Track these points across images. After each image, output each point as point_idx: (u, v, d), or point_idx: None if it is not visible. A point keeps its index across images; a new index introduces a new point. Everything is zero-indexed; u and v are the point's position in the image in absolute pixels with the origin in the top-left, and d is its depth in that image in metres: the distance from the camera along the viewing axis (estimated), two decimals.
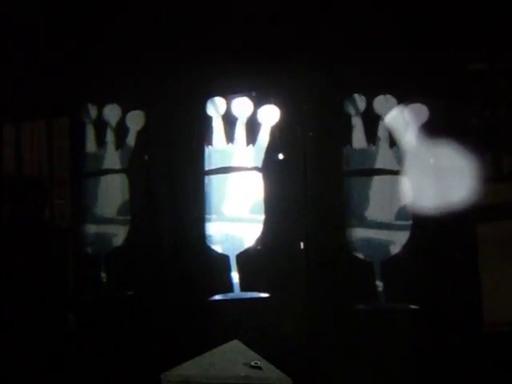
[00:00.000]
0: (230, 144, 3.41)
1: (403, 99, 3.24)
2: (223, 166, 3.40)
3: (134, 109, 3.53)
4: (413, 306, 3.16)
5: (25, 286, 3.48)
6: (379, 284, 3.19)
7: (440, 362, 3.07)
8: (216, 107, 3.41)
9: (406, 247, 3.19)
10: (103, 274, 3.50)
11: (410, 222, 3.19)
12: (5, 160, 3.69)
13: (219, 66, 3.38)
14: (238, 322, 3.21)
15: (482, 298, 3.10)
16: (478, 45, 3.17)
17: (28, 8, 3.47)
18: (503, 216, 3.16)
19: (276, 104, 3.36)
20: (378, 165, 3.26)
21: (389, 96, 3.25)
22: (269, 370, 2.33)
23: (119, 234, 3.51)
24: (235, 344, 2.59)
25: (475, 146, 3.12)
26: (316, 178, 3.28)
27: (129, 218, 3.50)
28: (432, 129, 3.17)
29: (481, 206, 3.09)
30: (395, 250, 3.20)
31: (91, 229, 3.54)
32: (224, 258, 3.34)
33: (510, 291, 3.06)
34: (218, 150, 3.42)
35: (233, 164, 3.39)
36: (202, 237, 3.35)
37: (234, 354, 2.46)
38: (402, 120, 3.20)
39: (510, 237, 3.14)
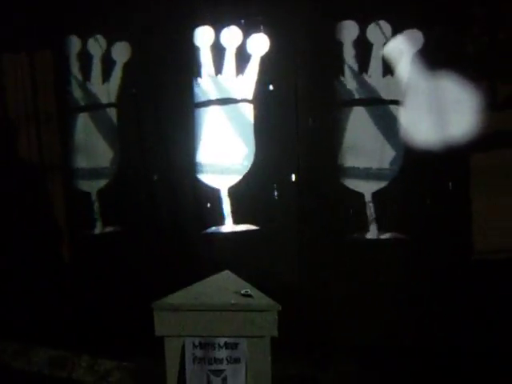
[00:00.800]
0: (219, 75, 3.32)
1: (398, 26, 3.14)
2: (212, 97, 3.33)
3: (120, 40, 3.41)
4: (404, 236, 3.18)
5: (17, 223, 3.49)
6: (370, 214, 3.19)
7: (430, 289, 3.11)
8: (204, 37, 3.30)
9: (398, 177, 3.17)
10: (95, 209, 3.49)
11: (402, 152, 3.16)
12: None
13: None
14: (229, 253, 3.24)
15: (473, 226, 3.11)
16: None
17: None
18: (495, 145, 3.12)
19: (266, 33, 3.25)
20: (371, 94, 3.19)
21: (383, 22, 3.14)
22: (259, 297, 2.35)
23: (109, 169, 3.47)
24: (226, 274, 2.60)
25: (471, 74, 3.05)
26: (307, 108, 3.21)
27: (118, 152, 3.45)
28: (427, 56, 3.09)
29: (474, 135, 3.06)
30: (387, 180, 3.18)
31: (81, 164, 3.50)
32: (215, 191, 3.32)
33: (500, 220, 3.07)
34: (207, 81, 3.33)
35: (222, 95, 3.32)
36: (192, 170, 3.32)
37: (224, 284, 2.47)
38: (398, 49, 3.11)
39: (501, 166, 3.12)
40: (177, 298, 2.37)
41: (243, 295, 2.38)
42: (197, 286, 2.47)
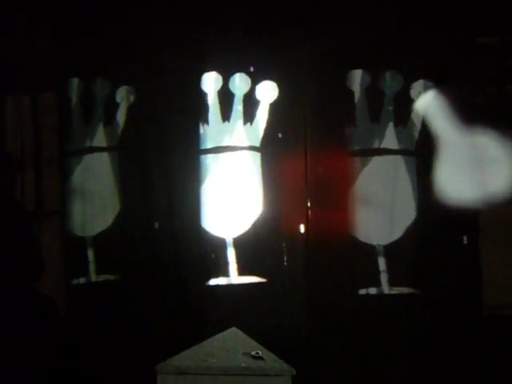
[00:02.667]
0: (227, 122, 3.25)
1: (409, 76, 3.12)
2: (219, 144, 3.24)
3: (125, 84, 3.34)
4: (415, 291, 3.07)
5: (11, 269, 3.32)
6: (382, 268, 3.08)
7: (442, 345, 3.00)
8: (211, 82, 3.24)
9: (410, 230, 3.08)
10: (91, 257, 3.34)
11: (415, 205, 3.08)
12: None
13: (216, 40, 3.21)
14: (235, 308, 3.09)
15: (484, 281, 3.03)
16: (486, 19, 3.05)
17: None
18: (507, 199, 3.06)
19: (275, 80, 3.20)
20: (382, 144, 3.13)
21: (394, 72, 3.11)
22: (271, 359, 2.21)
23: (109, 215, 3.34)
24: (234, 332, 2.46)
25: (479, 124, 3.02)
26: (317, 157, 3.14)
27: (118, 198, 3.33)
28: (440, 107, 3.06)
29: (485, 188, 3.01)
30: (399, 233, 3.08)
31: (79, 209, 3.37)
32: (220, 241, 3.19)
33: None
34: (214, 127, 3.25)
35: (229, 142, 3.24)
36: (196, 218, 3.20)
37: (232, 343, 2.33)
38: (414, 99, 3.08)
39: None
40: (183, 359, 2.23)
41: (254, 357, 2.24)
42: (203, 346, 2.33)
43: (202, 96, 3.25)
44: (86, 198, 3.37)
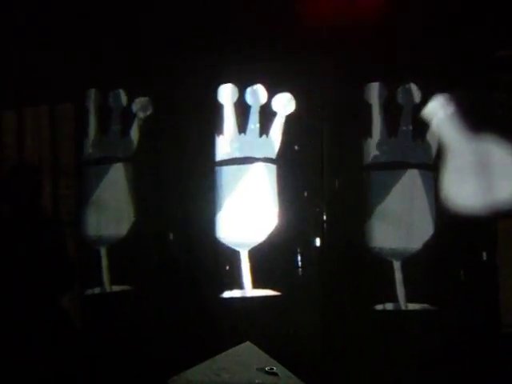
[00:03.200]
0: (243, 133, 3.24)
1: (427, 89, 3.08)
2: (235, 156, 3.23)
3: (141, 95, 3.35)
4: (432, 307, 3.01)
5: (26, 279, 3.31)
6: (399, 283, 3.03)
7: (458, 362, 2.93)
8: (228, 94, 3.24)
9: (428, 245, 3.03)
10: (106, 267, 3.33)
11: (432, 219, 3.03)
12: (6, 148, 3.51)
13: (232, 52, 3.21)
14: (249, 321, 3.06)
15: (501, 298, 2.96)
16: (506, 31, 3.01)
17: None
18: None
19: (292, 92, 3.19)
20: (400, 158, 3.09)
21: (413, 85, 3.08)
22: (285, 376, 2.18)
23: (123, 226, 3.34)
24: (247, 346, 2.42)
25: (497, 137, 2.97)
26: (333, 170, 3.11)
27: (133, 208, 3.33)
28: (457, 120, 3.01)
29: (505, 204, 2.95)
30: (416, 247, 3.04)
31: (95, 219, 3.37)
32: (235, 254, 3.17)
33: None
34: (230, 139, 3.24)
35: (245, 154, 3.22)
36: (212, 230, 3.18)
37: (246, 358, 2.29)
38: (431, 112, 3.04)
39: None
40: (196, 373, 2.19)
41: (268, 372, 2.20)
42: (217, 361, 2.29)
43: (218, 108, 3.25)
44: (101, 208, 3.38)
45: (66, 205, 3.42)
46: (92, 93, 3.39)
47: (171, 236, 3.26)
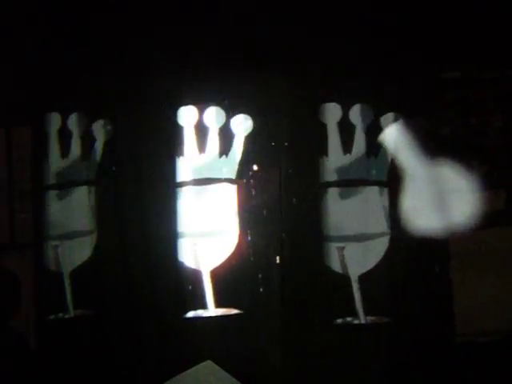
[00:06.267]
0: (202, 154, 3.29)
1: (378, 109, 3.20)
2: (195, 177, 3.28)
3: (101, 118, 3.37)
4: (390, 320, 3.11)
5: None
6: (357, 297, 3.12)
7: (416, 374, 3.03)
8: (187, 116, 3.29)
9: (383, 260, 3.13)
10: (67, 292, 3.31)
11: (387, 235, 3.14)
12: None
13: (191, 74, 3.27)
14: (211, 339, 3.09)
15: (456, 309, 3.08)
16: (451, 54, 3.16)
17: None
18: (479, 228, 3.14)
19: (249, 113, 3.26)
20: (355, 175, 3.20)
21: (365, 106, 3.19)
22: None
23: (85, 250, 3.33)
24: (208, 365, 2.46)
25: (445, 156, 3.10)
26: (291, 189, 3.19)
27: (95, 232, 3.33)
28: (407, 138, 3.14)
29: (451, 219, 3.08)
30: (372, 263, 3.13)
31: (54, 244, 3.35)
32: (197, 273, 3.20)
33: (484, 302, 3.05)
34: (190, 160, 3.29)
35: (205, 175, 3.27)
36: (173, 252, 3.21)
37: (206, 377, 2.33)
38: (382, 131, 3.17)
39: (484, 249, 3.14)
40: None
41: None
42: (176, 380, 2.32)
43: (178, 129, 3.30)
44: (62, 231, 3.37)
45: (24, 229, 3.39)
46: (51, 116, 3.39)
47: (133, 259, 3.27)
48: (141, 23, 3.25)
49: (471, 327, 3.09)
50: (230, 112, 3.27)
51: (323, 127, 3.22)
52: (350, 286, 3.12)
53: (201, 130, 3.28)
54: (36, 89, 3.37)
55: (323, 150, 3.21)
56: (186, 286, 3.19)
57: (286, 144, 3.23)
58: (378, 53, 3.16)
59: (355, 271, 3.14)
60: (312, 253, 3.14)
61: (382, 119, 3.19)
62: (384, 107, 3.20)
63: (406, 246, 3.12)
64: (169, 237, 3.22)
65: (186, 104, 3.29)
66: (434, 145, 3.12)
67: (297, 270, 3.14)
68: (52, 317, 3.30)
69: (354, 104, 3.19)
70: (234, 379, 2.30)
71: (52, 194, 3.37)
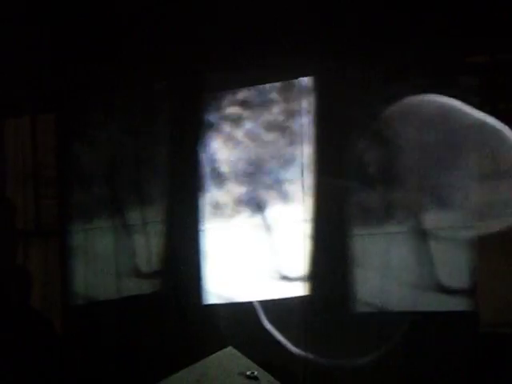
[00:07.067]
0: None
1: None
2: None
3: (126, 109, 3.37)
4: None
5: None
6: None
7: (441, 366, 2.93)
8: None
9: None
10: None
11: None
12: None
13: None
14: (232, 326, 3.07)
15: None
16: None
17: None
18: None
19: None
20: None
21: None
22: (267, 380, 2.19)
23: None
24: (229, 351, 2.44)
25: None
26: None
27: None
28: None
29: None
30: None
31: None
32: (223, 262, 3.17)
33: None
34: None
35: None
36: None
37: (228, 363, 2.31)
38: None
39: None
40: (177, 380, 2.21)
41: (249, 377, 2.22)
42: (198, 367, 2.31)
43: None
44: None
45: (50, 215, 3.43)
46: (76, 104, 3.42)
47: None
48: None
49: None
50: None
51: None
52: None
53: None
54: (61, 77, 3.40)
55: None
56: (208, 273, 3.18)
57: None
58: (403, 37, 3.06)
59: None
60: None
61: None
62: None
63: None
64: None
65: None
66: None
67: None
68: (77, 302, 3.34)
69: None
70: (255, 365, 2.28)
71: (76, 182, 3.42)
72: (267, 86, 3.20)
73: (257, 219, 3.18)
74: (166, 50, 3.21)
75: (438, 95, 3.04)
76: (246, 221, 3.18)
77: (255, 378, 2.20)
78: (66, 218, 3.43)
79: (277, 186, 3.18)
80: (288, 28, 3.05)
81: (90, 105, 3.45)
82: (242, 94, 3.22)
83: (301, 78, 3.13)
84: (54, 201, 3.46)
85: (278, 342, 3.05)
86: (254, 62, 3.13)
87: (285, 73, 3.15)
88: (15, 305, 2.89)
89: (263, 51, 3.10)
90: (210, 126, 3.24)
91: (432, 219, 2.98)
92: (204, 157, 3.25)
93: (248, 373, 2.23)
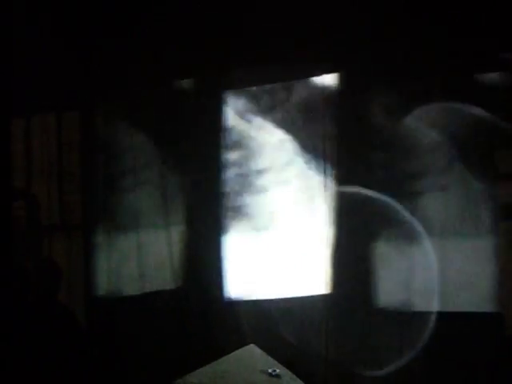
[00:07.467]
0: None
1: None
2: None
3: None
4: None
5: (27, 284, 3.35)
6: None
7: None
8: None
9: None
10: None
11: None
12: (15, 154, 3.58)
13: None
14: (254, 324, 3.07)
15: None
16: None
17: None
18: None
19: None
20: None
21: None
22: (288, 378, 2.19)
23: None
24: (251, 349, 2.45)
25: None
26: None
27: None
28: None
29: None
30: None
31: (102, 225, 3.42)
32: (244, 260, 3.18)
33: None
34: None
35: None
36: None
37: (250, 360, 2.32)
38: None
39: None
40: (200, 375, 2.22)
41: (271, 375, 2.22)
42: (220, 364, 2.31)
43: None
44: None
45: (73, 211, 3.48)
46: (100, 102, 3.46)
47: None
48: None
49: None
50: None
51: None
52: None
53: None
54: (86, 75, 3.43)
55: None
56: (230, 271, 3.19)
57: None
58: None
59: None
60: None
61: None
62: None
63: None
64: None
65: None
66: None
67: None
68: (101, 295, 3.38)
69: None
70: (276, 362, 2.29)
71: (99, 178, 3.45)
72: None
73: (279, 220, 3.18)
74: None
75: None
76: (269, 222, 3.18)
77: (277, 376, 2.20)
78: (90, 213, 3.46)
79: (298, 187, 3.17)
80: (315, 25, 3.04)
81: (115, 103, 3.47)
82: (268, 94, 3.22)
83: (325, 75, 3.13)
84: (77, 197, 3.50)
85: (300, 341, 3.05)
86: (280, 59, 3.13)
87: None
88: (42, 298, 2.92)
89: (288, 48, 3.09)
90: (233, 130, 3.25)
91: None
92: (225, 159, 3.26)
93: (270, 370, 2.23)
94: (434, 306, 2.94)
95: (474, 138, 2.94)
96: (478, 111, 2.91)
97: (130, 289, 3.36)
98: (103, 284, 3.41)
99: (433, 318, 2.93)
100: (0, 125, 3.14)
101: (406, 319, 2.97)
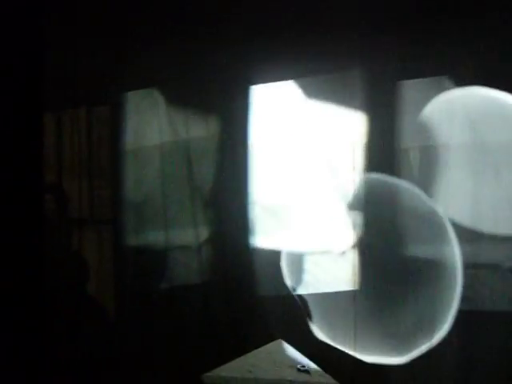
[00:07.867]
0: None
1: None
2: None
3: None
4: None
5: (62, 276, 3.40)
6: None
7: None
8: None
9: None
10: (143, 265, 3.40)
11: None
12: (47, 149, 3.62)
13: None
14: (283, 319, 3.06)
15: None
16: None
17: None
18: None
19: None
20: None
21: None
22: (317, 374, 2.18)
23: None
24: (279, 344, 2.44)
25: None
26: None
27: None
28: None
29: None
30: None
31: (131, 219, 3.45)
32: (274, 253, 3.17)
33: None
34: None
35: None
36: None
37: (278, 355, 2.31)
38: None
39: None
40: (229, 370, 2.22)
41: (299, 370, 2.21)
42: (249, 358, 2.31)
43: None
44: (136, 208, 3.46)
45: (103, 205, 3.51)
46: (130, 95, 3.48)
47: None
48: None
49: None
50: None
51: None
52: None
53: None
54: (116, 68, 3.45)
55: None
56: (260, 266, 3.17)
57: None
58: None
59: None
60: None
61: None
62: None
63: None
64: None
65: None
66: None
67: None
68: (130, 290, 3.41)
69: None
70: (304, 358, 2.27)
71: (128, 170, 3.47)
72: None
73: (306, 212, 3.16)
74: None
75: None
76: (295, 216, 3.16)
77: (306, 372, 2.19)
78: (119, 208, 3.49)
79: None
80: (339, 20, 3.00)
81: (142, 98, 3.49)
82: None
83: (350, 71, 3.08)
84: (107, 191, 3.53)
85: (327, 338, 3.03)
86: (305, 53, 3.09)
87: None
88: (72, 291, 2.97)
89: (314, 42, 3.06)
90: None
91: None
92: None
93: (299, 366, 2.21)
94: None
95: None
96: None
97: (159, 283, 3.38)
98: (132, 278, 3.44)
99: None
100: (32, 120, 3.18)
101: (434, 316, 2.93)
